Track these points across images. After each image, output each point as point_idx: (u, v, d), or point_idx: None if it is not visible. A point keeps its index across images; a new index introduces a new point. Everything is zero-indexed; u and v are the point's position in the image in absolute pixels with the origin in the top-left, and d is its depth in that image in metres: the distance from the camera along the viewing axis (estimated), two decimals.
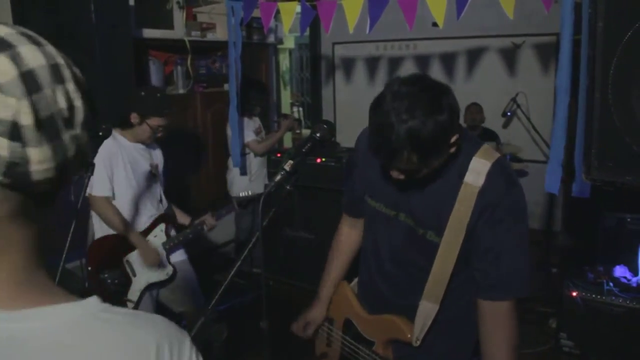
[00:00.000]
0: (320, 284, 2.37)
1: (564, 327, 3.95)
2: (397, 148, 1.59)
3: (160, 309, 3.48)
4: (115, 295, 3.25)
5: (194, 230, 3.49)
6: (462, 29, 6.09)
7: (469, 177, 1.78)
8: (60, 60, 0.77)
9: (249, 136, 5.21)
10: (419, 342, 1.94)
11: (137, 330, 0.80)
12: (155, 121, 3.22)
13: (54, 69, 0.75)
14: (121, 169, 3.27)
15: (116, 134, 3.23)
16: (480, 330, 1.88)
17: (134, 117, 3.22)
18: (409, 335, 1.95)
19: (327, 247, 5.04)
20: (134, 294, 3.31)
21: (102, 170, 3.14)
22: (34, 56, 0.73)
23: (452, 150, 1.73)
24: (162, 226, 3.41)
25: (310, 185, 4.99)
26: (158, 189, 3.48)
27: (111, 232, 3.29)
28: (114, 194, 3.26)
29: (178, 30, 5.28)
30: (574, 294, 3.85)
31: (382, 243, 2.05)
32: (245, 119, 5.23)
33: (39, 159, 0.71)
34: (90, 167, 2.46)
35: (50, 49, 0.77)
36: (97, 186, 3.15)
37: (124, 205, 3.30)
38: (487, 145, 1.88)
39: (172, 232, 3.52)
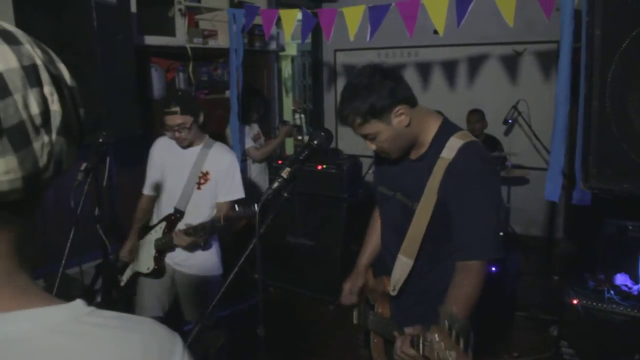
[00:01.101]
0: (358, 256, 2.68)
1: (564, 335, 3.94)
2: (343, 113, 2.08)
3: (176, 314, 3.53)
4: (119, 270, 3.58)
5: (168, 238, 3.34)
6: (464, 36, 6.11)
7: (444, 153, 2.09)
8: (38, 60, 0.73)
9: (247, 143, 5.23)
10: (395, 292, 2.23)
11: (125, 333, 0.79)
12: (164, 120, 3.20)
13: (29, 71, 0.70)
14: (167, 170, 3.44)
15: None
16: (450, 284, 2.08)
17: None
18: (388, 287, 2.26)
19: (328, 254, 5.07)
20: (126, 274, 3.56)
21: (147, 169, 3.51)
22: (4, 58, 0.69)
23: (402, 121, 2.06)
24: (163, 224, 3.40)
25: (311, 192, 5.00)
26: (198, 196, 3.36)
27: (156, 216, 3.51)
28: (157, 191, 3.50)
29: (180, 37, 5.30)
30: (575, 301, 3.84)
31: (387, 218, 2.43)
32: (245, 126, 5.25)
33: (3, 170, 0.68)
34: (90, 172, 2.45)
35: (27, 48, 0.72)
36: (145, 184, 3.54)
37: (162, 205, 3.47)
38: (467, 131, 2.19)
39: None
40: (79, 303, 0.79)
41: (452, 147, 2.07)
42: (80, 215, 3.26)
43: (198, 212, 3.33)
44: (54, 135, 0.74)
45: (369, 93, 2.00)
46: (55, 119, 0.74)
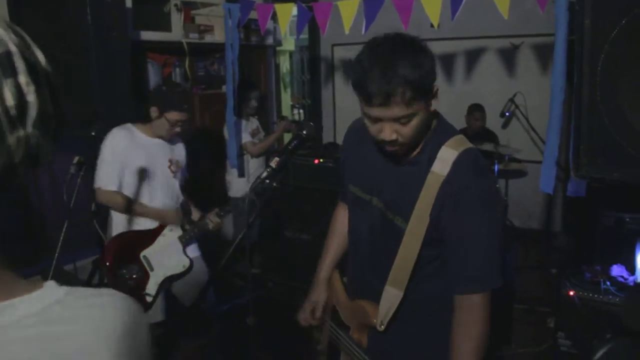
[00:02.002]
0: (318, 267, 2.38)
1: (561, 327, 3.94)
2: (393, 86, 1.61)
3: (172, 302, 3.50)
4: (134, 289, 3.26)
5: (200, 225, 3.51)
6: (461, 30, 6.09)
7: (436, 166, 1.80)
8: (12, 46, 0.69)
9: (245, 138, 5.23)
10: (383, 327, 1.94)
11: (100, 307, 0.80)
12: (173, 115, 3.27)
13: (2, 60, 0.67)
14: (137, 165, 3.34)
15: (135, 129, 3.36)
16: (453, 322, 1.86)
17: (154, 111, 3.30)
18: (374, 320, 1.97)
19: None
20: (152, 287, 3.33)
21: (111, 164, 3.24)
22: None
23: (432, 105, 1.75)
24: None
25: (308, 187, 5.00)
26: (176, 185, 3.55)
27: (128, 228, 3.40)
28: (124, 187, 3.35)
29: (176, 33, 5.30)
30: (571, 293, 3.84)
31: (360, 228, 2.08)
32: (243, 121, 5.24)
33: None
34: (82, 166, 2.46)
35: (1, 33, 0.69)
36: (104, 179, 3.24)
37: (136, 199, 3.40)
38: (461, 136, 1.88)
39: (187, 226, 3.54)
40: (52, 284, 0.79)
41: (446, 159, 1.80)
42: (77, 211, 3.28)
43: (172, 199, 3.53)
44: (29, 129, 0.71)
45: (419, 60, 1.64)
46: (31, 111, 0.71)
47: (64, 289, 0.79)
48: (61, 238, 2.31)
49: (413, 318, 1.97)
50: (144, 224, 3.42)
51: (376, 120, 1.72)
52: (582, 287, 3.83)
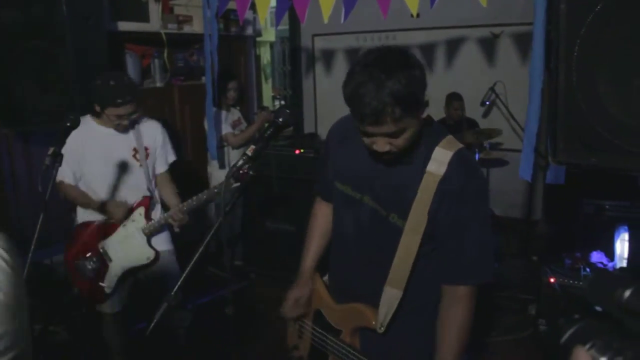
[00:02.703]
0: (301, 260, 2.36)
1: (542, 313, 3.98)
2: (382, 106, 1.63)
3: (138, 294, 3.46)
4: (93, 280, 3.25)
5: (165, 218, 3.37)
6: (442, 19, 6.11)
7: (431, 166, 1.85)
8: None
9: (225, 129, 5.19)
10: (383, 329, 1.96)
11: None
12: (111, 111, 3.10)
13: None
14: (93, 156, 3.23)
15: (92, 121, 3.22)
16: (439, 313, 1.93)
17: (96, 107, 3.14)
18: (374, 322, 1.97)
19: None
20: (110, 279, 3.28)
21: (67, 158, 2.99)
22: None
23: (423, 114, 1.77)
24: (142, 210, 3.34)
25: (289, 177, 4.99)
26: (141, 174, 3.38)
27: (88, 219, 3.32)
28: (84, 180, 3.28)
29: (154, 23, 5.26)
30: (552, 280, 3.87)
31: (348, 227, 2.08)
32: (223, 112, 5.21)
33: None
34: (57, 157, 2.42)
35: None
36: (61, 173, 3.09)
37: (98, 192, 3.30)
38: (450, 137, 1.93)
39: (154, 216, 3.42)
40: None
41: (440, 159, 1.85)
42: (54, 204, 3.23)
43: (139, 189, 3.38)
44: None
45: (409, 79, 1.66)
46: None
47: None
48: (37, 231, 2.27)
49: (412, 318, 2.01)
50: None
51: (369, 134, 1.76)
52: (563, 274, 3.86)
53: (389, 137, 1.74)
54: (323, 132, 6.34)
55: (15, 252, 0.96)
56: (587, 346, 0.75)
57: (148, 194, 3.40)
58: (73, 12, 3.55)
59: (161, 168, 3.53)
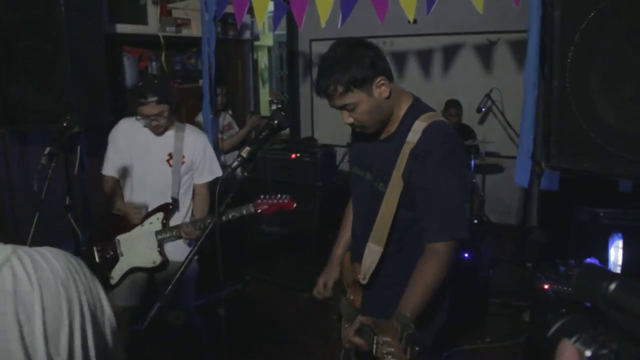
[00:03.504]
0: (334, 245, 2.63)
1: (536, 320, 3.98)
2: (325, 84, 2.02)
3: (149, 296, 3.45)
4: (101, 267, 3.32)
5: (178, 230, 3.34)
6: (439, 25, 6.14)
7: (409, 136, 2.09)
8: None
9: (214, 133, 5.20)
10: (365, 281, 2.20)
11: (44, 259, 0.88)
12: (140, 110, 3.15)
13: None
14: (133, 154, 3.33)
15: (136, 121, 3.23)
16: (416, 265, 2.08)
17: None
18: (359, 275, 2.22)
19: (303, 242, 5.07)
20: (116, 272, 3.33)
21: (108, 152, 3.39)
22: None
23: (383, 92, 2.06)
24: (160, 215, 3.35)
25: (285, 181, 4.99)
26: (169, 179, 3.37)
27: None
28: (123, 175, 3.41)
29: (152, 26, 5.26)
30: (546, 286, 3.87)
31: (357, 202, 2.43)
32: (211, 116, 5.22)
33: None
34: (54, 156, 2.42)
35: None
36: (104, 166, 3.43)
37: (128, 186, 3.41)
38: (434, 112, 2.18)
39: (174, 224, 3.41)
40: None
41: (417, 129, 2.08)
42: (50, 205, 3.23)
43: (164, 194, 3.39)
44: None
45: (350, 62, 1.99)
46: None
47: (11, 247, 0.87)
48: (32, 231, 2.28)
49: (393, 273, 2.22)
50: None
51: (336, 109, 2.11)
52: (557, 281, 3.86)
53: (346, 111, 2.07)
54: (320, 137, 6.37)
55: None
56: (573, 339, 0.76)
57: (171, 200, 3.40)
58: (71, 14, 3.55)
59: (198, 180, 3.50)
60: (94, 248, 3.38)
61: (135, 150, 3.34)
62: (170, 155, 3.35)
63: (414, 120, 2.11)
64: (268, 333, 4.32)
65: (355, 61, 2.00)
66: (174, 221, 3.39)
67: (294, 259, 5.05)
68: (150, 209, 3.39)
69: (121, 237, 3.37)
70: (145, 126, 3.23)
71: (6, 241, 0.95)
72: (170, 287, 1.61)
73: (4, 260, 0.85)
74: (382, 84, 2.06)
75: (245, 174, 1.73)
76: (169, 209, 3.37)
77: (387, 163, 2.13)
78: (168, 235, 3.33)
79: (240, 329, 4.02)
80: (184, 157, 3.38)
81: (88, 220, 4.57)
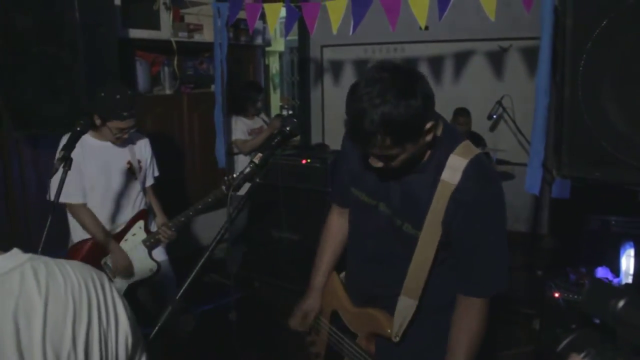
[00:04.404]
0: (312, 272, 2.38)
1: (546, 328, 3.96)
2: (371, 132, 1.60)
3: (135, 303, 3.46)
4: None
5: (156, 235, 3.41)
6: (450, 32, 6.13)
7: (445, 174, 1.80)
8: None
9: (237, 135, 5.25)
10: (398, 338, 1.95)
11: (63, 269, 0.95)
12: (115, 124, 3.09)
13: None
14: (91, 170, 3.22)
15: (87, 135, 3.14)
16: (452, 322, 1.92)
17: (96, 119, 3.12)
18: (389, 331, 1.97)
19: (313, 248, 5.05)
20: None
21: (73, 176, 3.00)
22: None
23: (429, 137, 1.73)
24: (141, 223, 3.37)
25: (295, 187, 5.00)
26: (137, 186, 3.42)
27: (85, 236, 3.30)
28: (85, 194, 3.26)
29: (165, 31, 5.30)
30: (556, 295, 3.85)
31: (365, 233, 2.07)
32: (241, 118, 5.31)
33: None
34: (66, 160, 2.42)
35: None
36: (71, 193, 3.14)
37: (96, 206, 3.28)
38: (468, 142, 1.89)
39: (153, 228, 3.48)
40: (17, 251, 0.94)
41: (455, 167, 1.79)
42: (63, 208, 3.26)
43: (136, 202, 3.44)
44: None
45: (406, 110, 1.58)
46: None
47: (28, 255, 0.93)
48: (44, 234, 2.29)
49: (426, 328, 2.01)
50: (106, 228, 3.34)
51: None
52: (567, 289, 3.84)
53: (384, 158, 1.73)
54: (330, 143, 6.36)
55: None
56: (582, 355, 0.76)
57: (144, 206, 3.44)
58: (85, 19, 3.58)
59: (150, 182, 3.58)
60: None
61: (94, 166, 3.24)
62: (130, 163, 3.35)
63: (447, 152, 1.82)
64: (278, 338, 4.32)
65: (412, 109, 1.59)
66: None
67: (304, 264, 5.03)
68: (121, 221, 3.37)
69: (107, 259, 3.31)
70: (113, 139, 3.20)
71: (21, 244, 0.97)
72: (181, 291, 1.62)
73: (15, 265, 0.87)
74: (431, 129, 1.72)
75: (258, 180, 1.73)
76: (146, 216, 3.40)
77: (415, 200, 1.86)
78: (152, 240, 3.37)
79: (251, 335, 4.02)
80: (139, 161, 3.42)
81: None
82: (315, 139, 7.53)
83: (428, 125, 1.68)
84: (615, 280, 3.85)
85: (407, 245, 1.89)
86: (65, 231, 3.38)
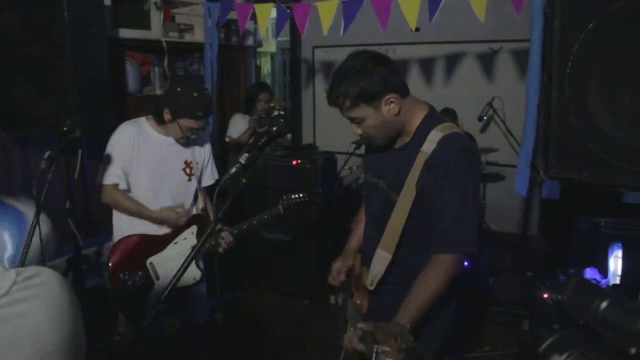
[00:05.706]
0: (348, 238, 2.67)
1: (536, 329, 3.97)
2: (335, 96, 2.07)
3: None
4: (135, 297, 3.06)
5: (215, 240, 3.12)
6: (441, 34, 6.15)
7: (425, 146, 2.09)
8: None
9: (233, 132, 5.35)
10: (373, 286, 2.26)
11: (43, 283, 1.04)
12: (186, 122, 2.98)
13: None
14: (143, 163, 3.10)
15: (147, 125, 3.11)
16: (419, 273, 2.10)
17: (166, 114, 3.01)
18: (366, 280, 2.28)
19: (303, 249, 5.06)
20: (153, 299, 3.07)
21: (115, 158, 3.03)
22: None
23: (391, 108, 2.08)
24: (194, 228, 3.18)
25: (286, 187, 4.98)
26: (191, 188, 3.26)
27: (134, 231, 3.14)
28: (129, 186, 3.12)
29: (155, 31, 5.28)
30: (545, 295, 3.87)
31: (370, 208, 2.44)
32: (241, 115, 5.42)
33: None
34: (53, 160, 2.40)
35: None
36: (106, 174, 3.05)
37: (148, 203, 3.14)
38: (450, 123, 2.16)
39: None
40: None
41: (433, 139, 2.08)
42: (50, 208, 3.22)
43: (185, 205, 3.26)
44: None
45: (361, 77, 2.01)
46: None
47: (15, 270, 0.99)
48: (31, 235, 2.27)
49: (400, 281, 2.21)
50: (152, 228, 3.17)
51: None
52: (556, 290, 3.86)
53: (356, 124, 2.13)
54: (321, 144, 6.36)
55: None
56: (564, 356, 0.76)
57: (194, 211, 3.28)
58: (74, 18, 3.55)
59: (207, 182, 3.41)
60: (120, 276, 3.04)
61: (148, 159, 3.11)
62: (187, 163, 3.22)
63: (430, 130, 2.12)
64: (266, 340, 4.31)
65: (366, 75, 2.02)
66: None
67: (294, 266, 5.04)
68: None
69: (154, 259, 3.13)
70: (179, 137, 3.09)
71: None
72: (166, 292, 1.61)
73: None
74: (392, 102, 2.07)
75: (244, 180, 1.73)
76: (201, 222, 3.21)
77: (401, 172, 2.16)
78: (205, 248, 3.08)
79: (239, 336, 4.01)
80: (199, 163, 3.28)
81: (89, 224, 4.58)
82: (307, 139, 7.53)
83: (386, 97, 2.05)
84: (603, 281, 3.86)
85: (391, 209, 2.19)
86: (58, 231, 3.35)
